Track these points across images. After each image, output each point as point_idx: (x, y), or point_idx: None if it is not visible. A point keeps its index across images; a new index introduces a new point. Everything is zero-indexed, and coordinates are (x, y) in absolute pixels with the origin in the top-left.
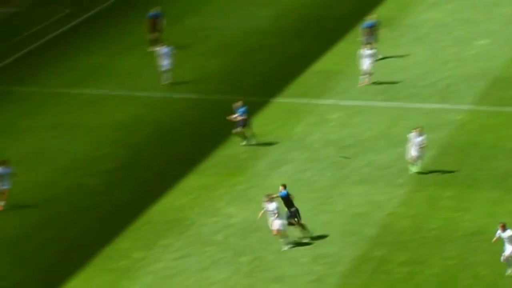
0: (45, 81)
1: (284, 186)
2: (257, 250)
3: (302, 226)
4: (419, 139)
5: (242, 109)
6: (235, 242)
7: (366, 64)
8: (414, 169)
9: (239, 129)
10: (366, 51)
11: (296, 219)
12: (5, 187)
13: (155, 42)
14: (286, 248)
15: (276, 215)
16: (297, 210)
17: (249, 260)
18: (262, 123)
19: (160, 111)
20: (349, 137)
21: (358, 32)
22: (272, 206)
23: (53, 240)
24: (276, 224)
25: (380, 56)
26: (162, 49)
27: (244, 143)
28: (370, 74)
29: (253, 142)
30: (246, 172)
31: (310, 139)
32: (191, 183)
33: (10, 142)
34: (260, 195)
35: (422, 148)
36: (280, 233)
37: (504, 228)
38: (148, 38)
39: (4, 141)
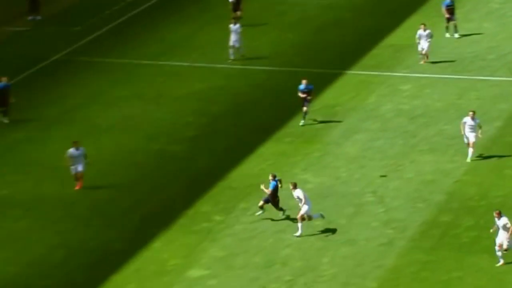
0: (132, 53)
1: (274, 176)
2: (330, 214)
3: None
4: (472, 122)
5: (307, 87)
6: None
7: (423, 44)
8: (468, 159)
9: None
10: (423, 32)
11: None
12: (79, 170)
13: (237, 19)
14: (298, 234)
15: (302, 201)
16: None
17: (322, 224)
18: (336, 94)
19: (239, 82)
20: (419, 107)
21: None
22: (296, 193)
23: (139, 203)
24: (303, 209)
25: (457, 36)
26: (232, 26)
27: (301, 122)
28: (427, 54)
29: (306, 121)
30: (320, 141)
31: (382, 109)
32: (269, 150)
33: (99, 110)
34: (334, 162)
35: (475, 132)
36: (304, 218)
37: (499, 215)
38: (232, 16)
39: (94, 110)
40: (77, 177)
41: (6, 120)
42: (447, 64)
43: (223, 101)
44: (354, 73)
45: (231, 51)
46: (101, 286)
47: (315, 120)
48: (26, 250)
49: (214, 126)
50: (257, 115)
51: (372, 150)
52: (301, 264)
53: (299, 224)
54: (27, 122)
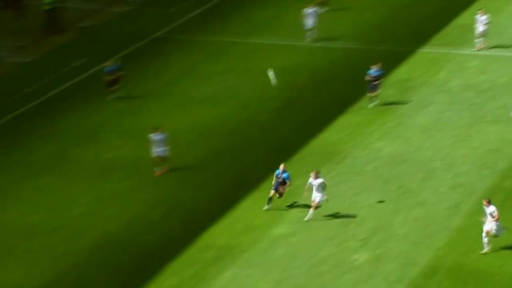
0: (224, 32)
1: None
2: (402, 179)
3: (280, 195)
4: None
5: (377, 72)
6: (383, 172)
7: (480, 28)
8: None
9: (373, 93)
10: (481, 17)
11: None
12: (160, 154)
13: (323, 3)
14: (307, 218)
15: (319, 189)
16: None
17: (395, 188)
18: (409, 70)
19: (320, 59)
20: (485, 82)
21: None
22: (317, 181)
23: (228, 167)
24: (317, 197)
25: None
26: (307, 10)
27: (370, 105)
28: (484, 38)
29: (376, 104)
30: (394, 112)
31: (450, 84)
32: (347, 120)
33: (193, 84)
34: (406, 132)
35: None
36: (316, 205)
37: (489, 204)
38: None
39: (188, 83)
40: (158, 161)
41: (121, 94)
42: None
43: (305, 76)
44: (426, 51)
45: (308, 33)
46: (195, 240)
47: (382, 103)
48: (127, 208)
49: (296, 99)
50: (336, 89)
51: (441, 121)
52: (374, 224)
53: (311, 211)
54: (130, 95)
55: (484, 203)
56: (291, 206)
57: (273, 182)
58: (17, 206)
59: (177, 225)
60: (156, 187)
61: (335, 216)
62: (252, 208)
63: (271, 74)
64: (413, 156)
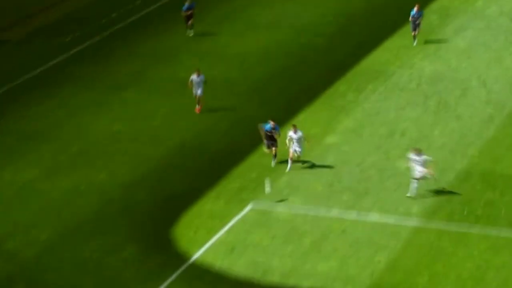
0: None
1: (272, 120)
2: (441, 96)
3: (275, 156)
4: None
5: (418, 13)
6: (425, 89)
7: None
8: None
9: (415, 32)
10: None
11: (274, 148)
12: (199, 94)
13: None
14: (287, 170)
15: (297, 143)
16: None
17: (435, 103)
18: None
19: None
20: None
21: None
22: (297, 135)
23: (288, 85)
24: (296, 151)
25: None
26: None
27: (414, 43)
28: None
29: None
30: (436, 35)
31: (487, 11)
32: (394, 43)
33: (259, 10)
34: (447, 54)
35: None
36: (294, 156)
37: (419, 153)
38: None
39: (255, 10)
40: (198, 100)
41: (191, 34)
42: None
43: (358, 5)
44: None
45: None
46: (258, 148)
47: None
48: (199, 120)
49: (350, 25)
50: (386, 17)
51: (477, 44)
52: (416, 135)
53: (290, 162)
54: (203, 20)
55: (413, 151)
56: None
57: (264, 138)
58: (105, 116)
59: (242, 135)
60: (224, 102)
61: (382, 127)
62: (308, 119)
63: (267, 183)
64: (452, 75)
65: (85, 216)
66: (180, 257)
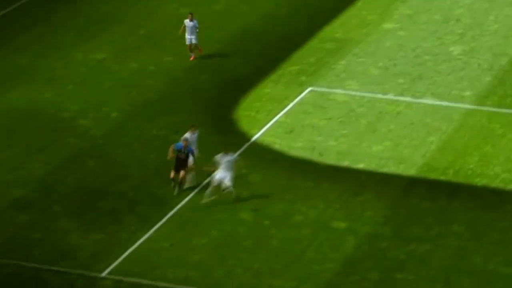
0: None
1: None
2: None
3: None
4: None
5: None
6: None
7: None
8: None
9: None
10: None
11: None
12: (193, 42)
13: None
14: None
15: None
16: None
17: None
18: None
19: None
20: None
21: None
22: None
23: None
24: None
25: None
26: None
27: None
28: None
29: None
30: None
31: None
32: None
33: None
34: None
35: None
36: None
37: (226, 153)
38: None
39: None
40: (191, 48)
41: None
42: None
43: None
44: None
45: None
46: (317, 33)
47: None
48: (261, 4)
49: None
50: None
51: None
52: (471, 21)
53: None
54: None
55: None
56: None
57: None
58: (171, 0)
59: (303, 20)
60: None
61: (438, 13)
62: (365, 7)
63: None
64: None
65: (152, 96)
66: (241, 137)
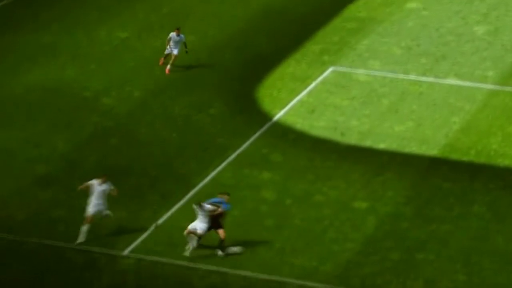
0: None
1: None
2: None
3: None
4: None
5: None
6: None
7: None
8: None
9: None
10: None
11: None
12: (174, 53)
13: None
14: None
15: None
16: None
17: None
18: None
19: None
20: None
21: None
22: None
23: None
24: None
25: None
26: None
27: None
28: None
29: None
30: None
31: None
32: None
33: None
34: None
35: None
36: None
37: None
38: None
39: None
40: (171, 58)
41: None
42: None
43: None
44: None
45: None
46: (341, 12)
47: None
48: None
49: None
50: None
51: None
52: (495, 1)
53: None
54: None
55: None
56: None
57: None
58: None
59: None
60: None
61: None
62: None
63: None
64: None
65: (175, 74)
66: (263, 116)
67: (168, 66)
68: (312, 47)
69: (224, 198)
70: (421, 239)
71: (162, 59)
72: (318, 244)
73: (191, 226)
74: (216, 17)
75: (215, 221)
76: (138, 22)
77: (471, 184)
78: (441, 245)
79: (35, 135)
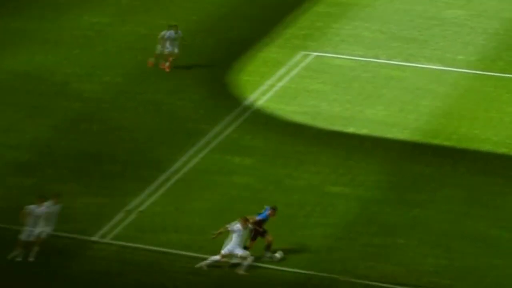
0: None
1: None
2: None
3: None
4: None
5: None
6: None
7: None
8: None
9: None
10: None
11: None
12: (175, 51)
13: None
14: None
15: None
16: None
17: None
18: None
19: None
20: None
21: None
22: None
23: None
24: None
25: None
26: None
27: None
28: None
29: None
30: None
31: None
32: None
33: None
34: None
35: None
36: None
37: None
38: None
39: None
40: (172, 58)
41: None
42: None
43: None
44: None
45: None
46: None
47: None
48: None
49: None
50: None
51: None
52: None
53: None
54: None
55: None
56: None
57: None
58: None
59: None
60: None
61: None
62: None
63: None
64: None
65: (144, 59)
66: (234, 101)
67: (167, 63)
68: (294, 33)
69: (270, 211)
70: (402, 224)
71: (152, 61)
72: (299, 229)
73: (226, 251)
74: (195, 2)
75: (257, 231)
76: (121, 7)
77: (454, 168)
78: (423, 230)
79: (16, 122)
